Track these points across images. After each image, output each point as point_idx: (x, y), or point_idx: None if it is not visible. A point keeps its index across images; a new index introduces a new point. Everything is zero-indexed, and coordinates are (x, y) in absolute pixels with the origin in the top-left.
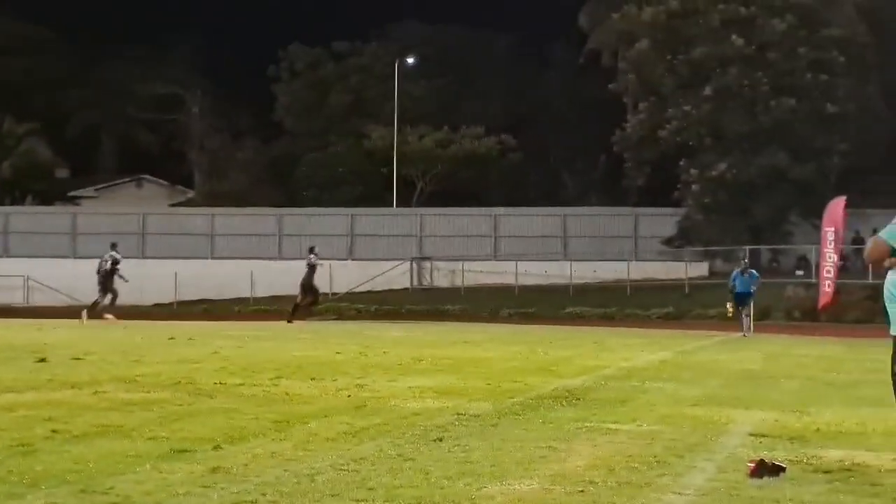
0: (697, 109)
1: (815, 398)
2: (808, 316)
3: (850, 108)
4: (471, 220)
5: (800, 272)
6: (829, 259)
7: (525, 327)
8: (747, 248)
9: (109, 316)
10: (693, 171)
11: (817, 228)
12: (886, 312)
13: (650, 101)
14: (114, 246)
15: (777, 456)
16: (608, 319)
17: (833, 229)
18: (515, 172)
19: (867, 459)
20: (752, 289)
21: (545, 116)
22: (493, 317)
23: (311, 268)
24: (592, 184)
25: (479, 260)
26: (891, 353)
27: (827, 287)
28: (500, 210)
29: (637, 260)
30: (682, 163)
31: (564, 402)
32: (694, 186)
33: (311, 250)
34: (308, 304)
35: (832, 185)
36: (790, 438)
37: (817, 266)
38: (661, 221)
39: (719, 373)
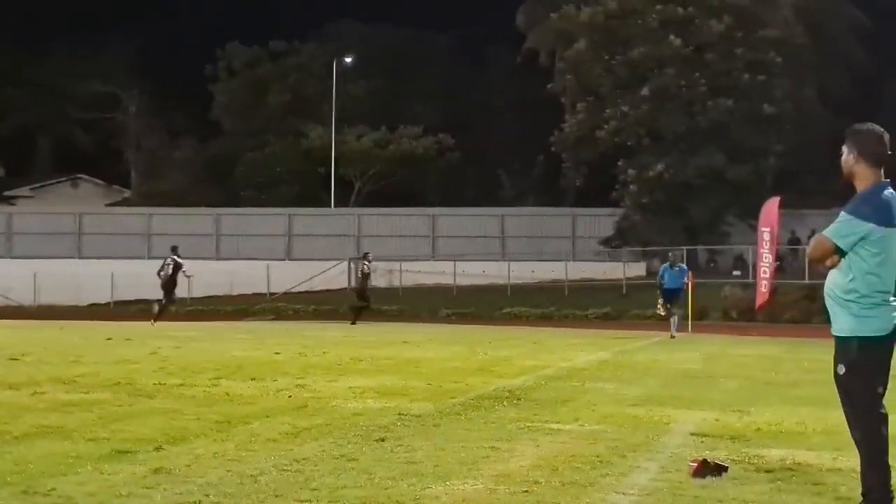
0: (635, 110)
1: (755, 398)
2: (745, 316)
3: (786, 108)
4: (409, 220)
5: (737, 272)
6: (766, 259)
7: (464, 327)
8: (685, 248)
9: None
10: (631, 172)
11: (754, 229)
12: (827, 311)
13: (588, 102)
14: (174, 249)
15: (719, 455)
16: (546, 319)
17: (769, 229)
18: (453, 172)
19: (808, 459)
20: (682, 282)
21: (483, 116)
22: (431, 317)
23: (365, 276)
24: (530, 184)
25: (418, 260)
26: (832, 352)
27: (763, 287)
28: (438, 210)
29: (575, 260)
30: (619, 163)
31: (506, 403)
32: (632, 187)
33: (365, 256)
34: (362, 307)
35: (769, 185)
36: (731, 438)
37: (754, 266)
38: (599, 222)
39: (659, 373)
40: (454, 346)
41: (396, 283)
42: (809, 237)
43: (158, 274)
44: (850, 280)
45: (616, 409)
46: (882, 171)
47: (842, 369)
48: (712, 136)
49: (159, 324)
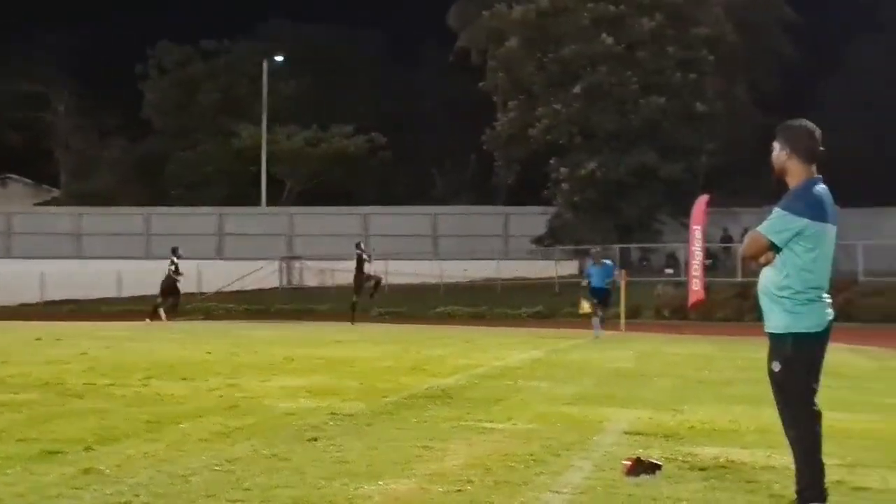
0: (567, 108)
1: (689, 396)
2: (678, 314)
3: (718, 107)
4: (340, 219)
5: (669, 270)
6: (697, 257)
7: (396, 327)
8: (617, 246)
9: (162, 319)
10: (563, 170)
11: (686, 227)
12: (760, 309)
13: (520, 100)
14: (174, 251)
15: (652, 454)
16: (479, 318)
17: (699, 227)
18: (385, 171)
19: (741, 457)
20: (609, 281)
21: (415, 115)
22: (362, 316)
23: (359, 264)
24: (462, 182)
25: (349, 259)
26: (766, 350)
27: (696, 285)
28: (371, 209)
29: (507, 259)
30: (552, 161)
31: (438, 402)
32: (564, 185)
33: (357, 245)
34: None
35: (701, 183)
36: (665, 436)
37: (686, 264)
38: (531, 220)
39: (592, 371)
40: (387, 345)
41: (329, 283)
42: (742, 235)
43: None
44: (785, 276)
45: (549, 408)
46: (814, 167)
47: (776, 366)
48: (644, 134)
49: (174, 322)
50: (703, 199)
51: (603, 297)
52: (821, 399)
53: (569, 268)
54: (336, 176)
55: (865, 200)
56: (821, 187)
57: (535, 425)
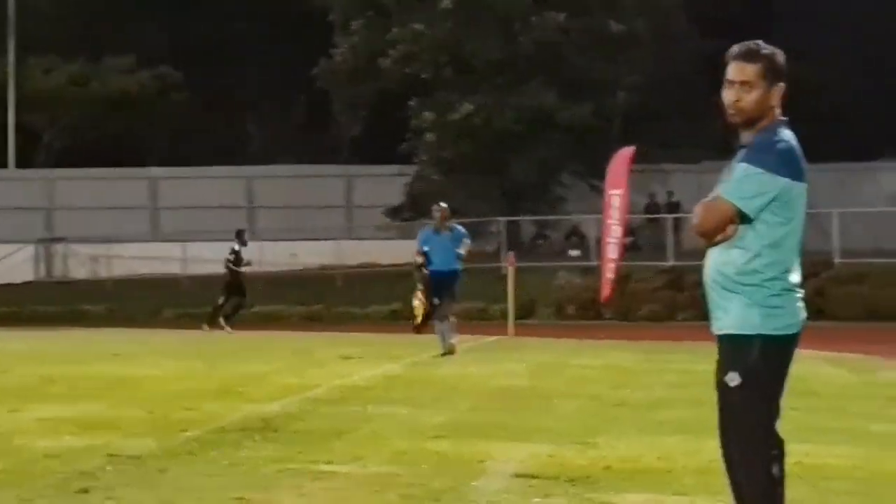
0: (432, 29)
1: (603, 424)
2: (587, 311)
3: (640, 26)
4: (120, 185)
5: (574, 251)
6: (614, 233)
7: (198, 333)
8: (503, 219)
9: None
10: (427, 115)
11: (598, 191)
12: (706, 303)
13: (367, 18)
14: (239, 234)
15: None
16: (313, 321)
17: (619, 192)
18: (182, 120)
19: None
20: (457, 260)
21: (223, 42)
22: (152, 319)
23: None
24: (288, 134)
25: (132, 241)
26: (713, 360)
27: (611, 272)
28: (161, 171)
29: (351, 238)
30: (411, 103)
31: (258, 436)
32: (428, 136)
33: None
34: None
35: (616, 132)
36: (571, 480)
37: (598, 243)
38: (384, 184)
39: (471, 392)
40: (185, 359)
41: (104, 274)
42: (670, 202)
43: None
44: (753, 258)
45: (412, 444)
46: None
47: (734, 380)
48: (539, 64)
49: (230, 330)
50: (625, 153)
51: (448, 286)
52: (785, 426)
53: None
54: (113, 126)
55: (837, 153)
56: (790, 132)
57: (392, 467)
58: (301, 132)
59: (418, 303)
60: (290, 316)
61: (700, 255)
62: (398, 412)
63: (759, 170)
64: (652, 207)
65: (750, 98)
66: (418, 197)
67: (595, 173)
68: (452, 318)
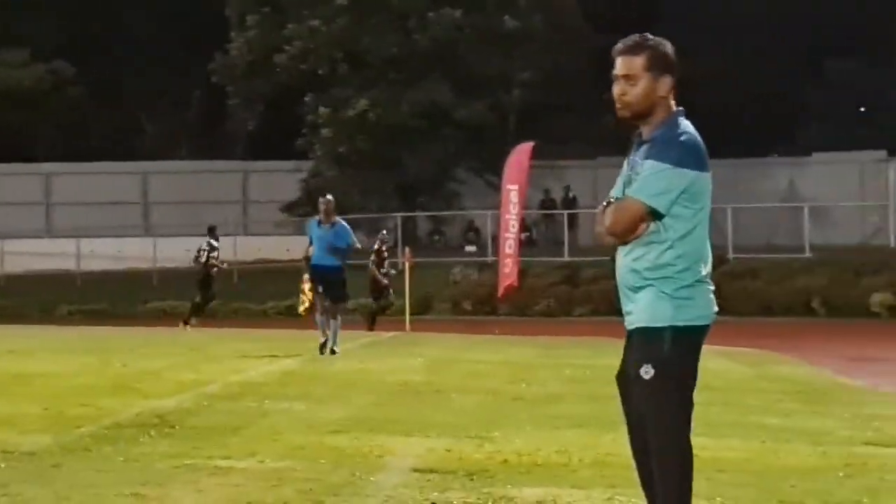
0: (328, 25)
1: (501, 419)
2: (483, 307)
3: (535, 23)
4: (13, 181)
5: (471, 247)
6: (512, 229)
7: (93, 329)
8: (398, 215)
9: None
10: (323, 111)
11: (494, 188)
12: (618, 302)
13: (262, 14)
14: (211, 231)
15: (453, 498)
16: (208, 316)
17: (517, 188)
18: (76, 114)
19: (575, 499)
20: (342, 255)
21: (118, 37)
22: (46, 316)
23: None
24: (184, 129)
25: (26, 237)
26: (618, 354)
27: (508, 268)
28: (55, 167)
29: (247, 234)
30: (307, 99)
31: (154, 432)
32: (324, 131)
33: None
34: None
35: (512, 128)
36: (469, 474)
37: (494, 239)
38: (280, 180)
39: (368, 387)
40: (80, 355)
41: None
42: (567, 198)
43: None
44: (666, 250)
45: (309, 439)
46: None
47: (648, 372)
48: (435, 61)
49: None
50: (523, 149)
51: (330, 282)
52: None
53: None
54: (6, 121)
55: (729, 149)
56: (688, 123)
57: (290, 462)
58: (196, 127)
59: (303, 295)
60: (186, 311)
61: (596, 251)
62: (295, 407)
63: (666, 165)
64: (548, 203)
65: (635, 92)
66: (314, 192)
67: (491, 169)
68: (338, 319)
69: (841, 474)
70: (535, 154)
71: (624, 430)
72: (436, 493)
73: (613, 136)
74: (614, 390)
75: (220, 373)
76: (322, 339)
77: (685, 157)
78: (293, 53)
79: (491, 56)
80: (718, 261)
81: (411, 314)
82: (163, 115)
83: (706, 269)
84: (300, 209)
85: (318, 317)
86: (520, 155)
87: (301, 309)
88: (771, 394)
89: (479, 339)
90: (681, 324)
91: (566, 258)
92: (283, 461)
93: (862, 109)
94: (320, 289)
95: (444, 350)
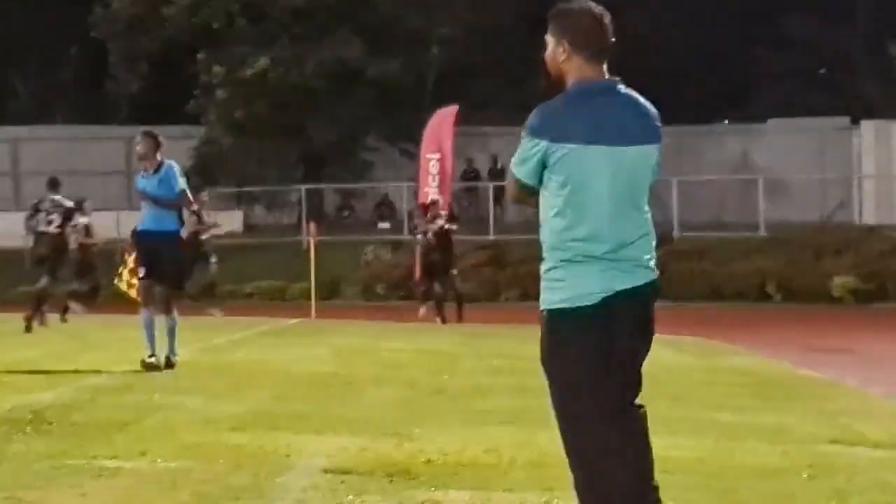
0: None
1: (422, 414)
2: (398, 290)
3: None
4: None
5: (384, 224)
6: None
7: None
8: (302, 186)
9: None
10: (217, 70)
11: (410, 157)
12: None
13: None
14: (81, 204)
15: (369, 502)
16: (89, 300)
17: (438, 157)
18: None
19: (508, 503)
20: (173, 220)
21: None
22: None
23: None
24: (59, 91)
25: None
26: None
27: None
28: None
29: (132, 209)
30: (200, 56)
31: (29, 429)
32: (219, 93)
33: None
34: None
35: (430, 90)
36: (388, 475)
37: (410, 214)
38: (169, 148)
39: (271, 380)
40: None
41: None
42: (493, 168)
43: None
44: (543, 225)
45: (206, 436)
46: (604, 66)
47: (540, 358)
48: (344, 13)
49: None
50: (447, 112)
51: (161, 258)
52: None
53: (228, 221)
54: None
55: (674, 114)
56: (605, 93)
57: (185, 462)
58: (73, 89)
59: (128, 264)
60: (65, 296)
61: (525, 228)
62: (189, 402)
63: (524, 134)
64: (471, 174)
65: (548, 58)
66: (207, 162)
67: (406, 136)
68: (175, 314)
69: (805, 475)
70: (458, 119)
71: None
72: (350, 496)
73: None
74: (545, 383)
75: (104, 363)
76: (149, 353)
77: (538, 125)
78: (183, 5)
79: (407, 8)
80: (662, 240)
81: (318, 299)
82: (35, 75)
83: (598, 247)
84: (192, 181)
85: (142, 315)
86: (442, 121)
87: (129, 293)
88: (723, 387)
89: (395, 326)
90: (554, 306)
91: (492, 236)
92: (178, 461)
93: (822, 71)
94: (144, 271)
95: (355, 338)
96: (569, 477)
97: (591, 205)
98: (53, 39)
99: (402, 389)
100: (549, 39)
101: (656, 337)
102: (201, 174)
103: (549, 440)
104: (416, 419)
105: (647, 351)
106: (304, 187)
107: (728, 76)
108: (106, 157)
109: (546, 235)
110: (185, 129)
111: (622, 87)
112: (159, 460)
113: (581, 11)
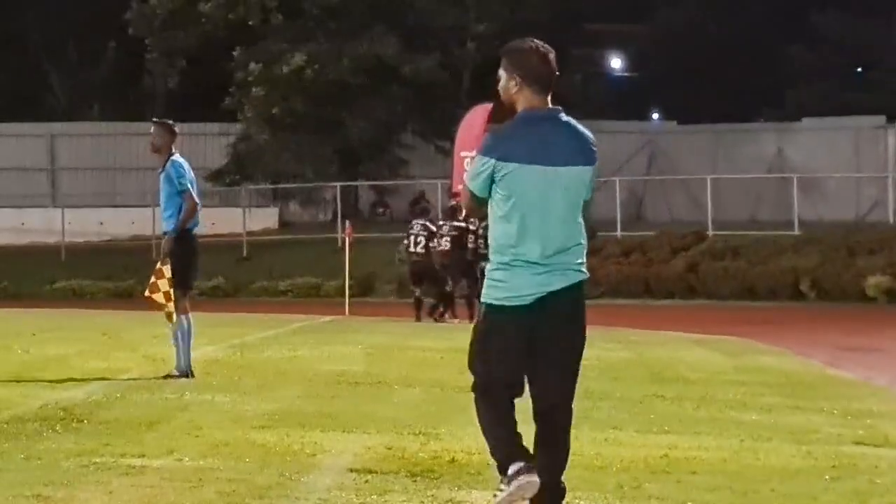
0: None
1: (447, 414)
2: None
3: None
4: None
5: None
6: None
7: None
8: (338, 184)
9: None
10: (253, 67)
11: (445, 154)
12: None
13: None
14: None
15: (393, 501)
16: (123, 298)
17: (472, 154)
18: None
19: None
20: (170, 221)
21: None
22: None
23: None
24: (95, 87)
25: None
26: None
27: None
28: None
29: None
30: (236, 53)
31: (59, 427)
32: (255, 90)
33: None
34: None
35: (466, 87)
36: (412, 475)
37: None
38: (205, 145)
39: (300, 377)
40: None
41: None
42: None
43: None
44: (489, 230)
45: (233, 434)
46: (548, 97)
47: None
48: (380, 10)
49: None
50: (481, 112)
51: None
52: (649, 415)
53: (264, 218)
54: None
55: (709, 112)
56: (545, 121)
57: (211, 461)
58: (111, 85)
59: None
60: (98, 292)
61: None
62: (218, 400)
63: (479, 153)
64: None
65: (502, 89)
66: (244, 158)
67: (442, 133)
68: (188, 316)
69: (827, 477)
70: (493, 116)
71: (587, 426)
72: (374, 496)
73: (581, 97)
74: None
75: (135, 361)
76: (173, 334)
77: (490, 145)
78: (220, 2)
79: (443, 5)
80: (696, 238)
81: (351, 296)
82: (72, 72)
83: (530, 255)
84: (228, 177)
85: (171, 326)
86: (475, 119)
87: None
88: (751, 387)
89: (425, 324)
90: (490, 301)
91: None
92: (204, 459)
93: (857, 70)
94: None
95: (387, 337)
96: (592, 477)
97: (529, 217)
98: (90, 36)
99: (430, 389)
100: (502, 73)
101: (687, 336)
102: (238, 171)
103: (573, 441)
104: (444, 418)
105: (582, 338)
106: (339, 184)
107: (763, 75)
108: (142, 153)
109: (491, 241)
110: (221, 126)
111: (563, 116)
112: (186, 459)
113: (530, 50)
